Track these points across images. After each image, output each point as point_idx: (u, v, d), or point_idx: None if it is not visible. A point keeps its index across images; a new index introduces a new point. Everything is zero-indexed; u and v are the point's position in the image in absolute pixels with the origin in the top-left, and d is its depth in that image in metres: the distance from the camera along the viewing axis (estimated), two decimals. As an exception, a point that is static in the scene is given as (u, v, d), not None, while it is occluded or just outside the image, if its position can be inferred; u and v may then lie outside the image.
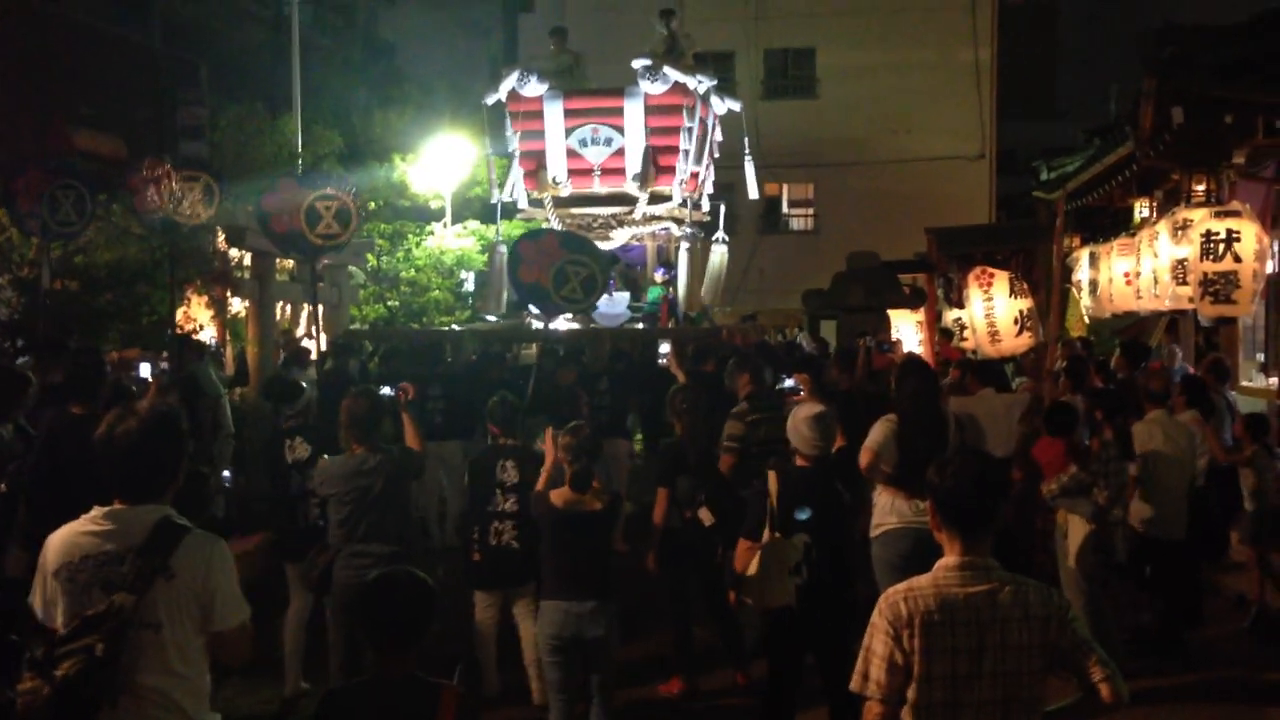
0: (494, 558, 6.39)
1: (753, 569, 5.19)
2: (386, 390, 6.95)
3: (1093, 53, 29.29)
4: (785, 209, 26.98)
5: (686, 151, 14.45)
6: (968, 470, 3.14)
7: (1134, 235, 12.74)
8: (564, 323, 13.08)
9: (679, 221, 14.93)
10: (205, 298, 12.19)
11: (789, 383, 6.67)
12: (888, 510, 6.28)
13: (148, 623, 3.05)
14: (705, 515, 6.28)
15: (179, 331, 9.90)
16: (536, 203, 15.00)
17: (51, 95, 16.96)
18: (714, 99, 15.18)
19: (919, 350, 15.50)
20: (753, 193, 15.72)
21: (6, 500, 6.09)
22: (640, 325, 14.46)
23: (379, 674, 3.12)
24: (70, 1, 18.93)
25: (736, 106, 15.79)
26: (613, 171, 14.66)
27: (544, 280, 8.64)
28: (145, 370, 8.46)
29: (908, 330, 16.57)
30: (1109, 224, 16.13)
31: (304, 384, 7.70)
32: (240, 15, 23.92)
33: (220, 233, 12.17)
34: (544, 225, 14.21)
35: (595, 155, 14.66)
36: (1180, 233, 10.44)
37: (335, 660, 6.16)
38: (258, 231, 11.62)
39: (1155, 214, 13.42)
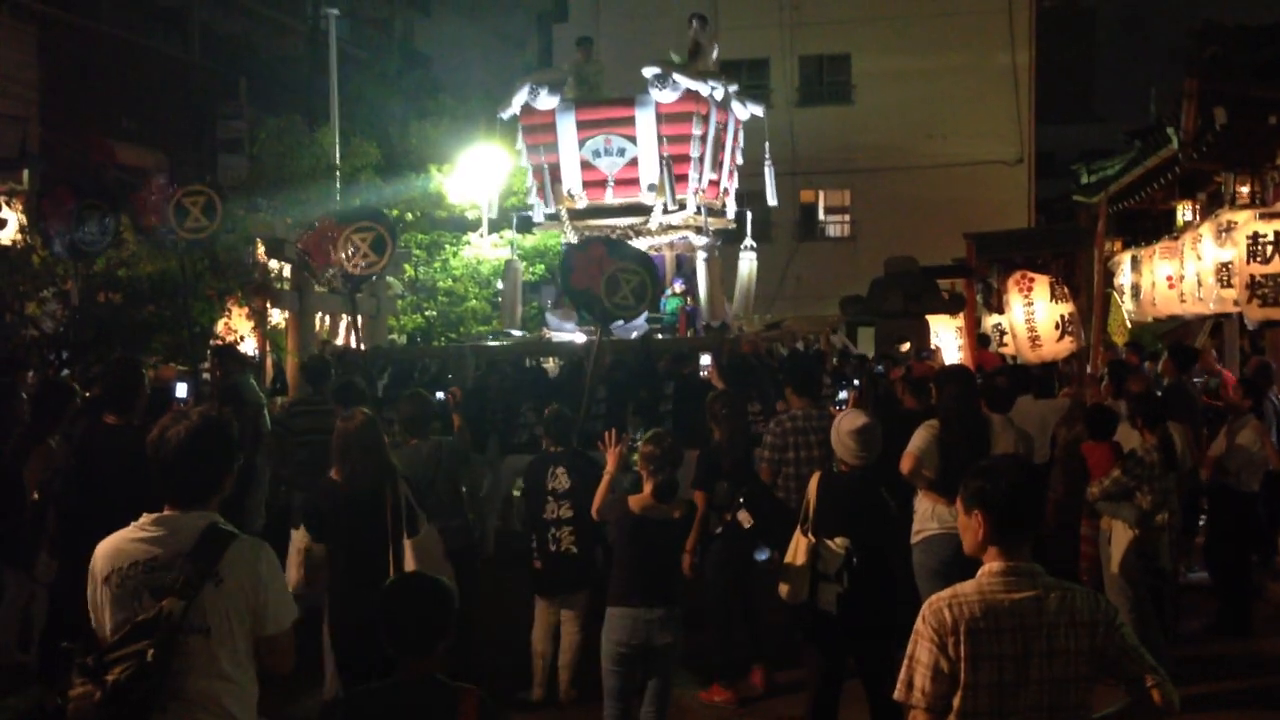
0: (554, 564, 6.51)
1: (800, 560, 5.18)
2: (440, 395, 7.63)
3: (1131, 54, 29.00)
4: (822, 216, 26.86)
5: (701, 159, 14.17)
6: (1011, 475, 3.11)
7: (1177, 238, 12.60)
8: (573, 335, 12.97)
9: (698, 230, 14.62)
10: (245, 309, 12.31)
11: (843, 395, 6.62)
12: (929, 516, 6.24)
13: (196, 628, 3.07)
14: (745, 518, 6.26)
15: (220, 342, 10.02)
16: (552, 216, 14.80)
17: (94, 109, 17.26)
18: (735, 104, 14.88)
19: (958, 356, 15.41)
20: (771, 199, 15.52)
21: (38, 508, 6.15)
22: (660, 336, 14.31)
23: (399, 676, 3.11)
24: (111, 17, 19.25)
25: (760, 111, 15.55)
26: (627, 182, 14.36)
27: (595, 288, 8.64)
28: (182, 390, 8.56)
29: (947, 336, 16.47)
30: (1151, 227, 15.95)
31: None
32: (278, 29, 24.25)
33: (260, 244, 12.29)
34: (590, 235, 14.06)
35: (609, 166, 14.37)
36: (1224, 235, 10.31)
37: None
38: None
39: (1198, 216, 13.26)
